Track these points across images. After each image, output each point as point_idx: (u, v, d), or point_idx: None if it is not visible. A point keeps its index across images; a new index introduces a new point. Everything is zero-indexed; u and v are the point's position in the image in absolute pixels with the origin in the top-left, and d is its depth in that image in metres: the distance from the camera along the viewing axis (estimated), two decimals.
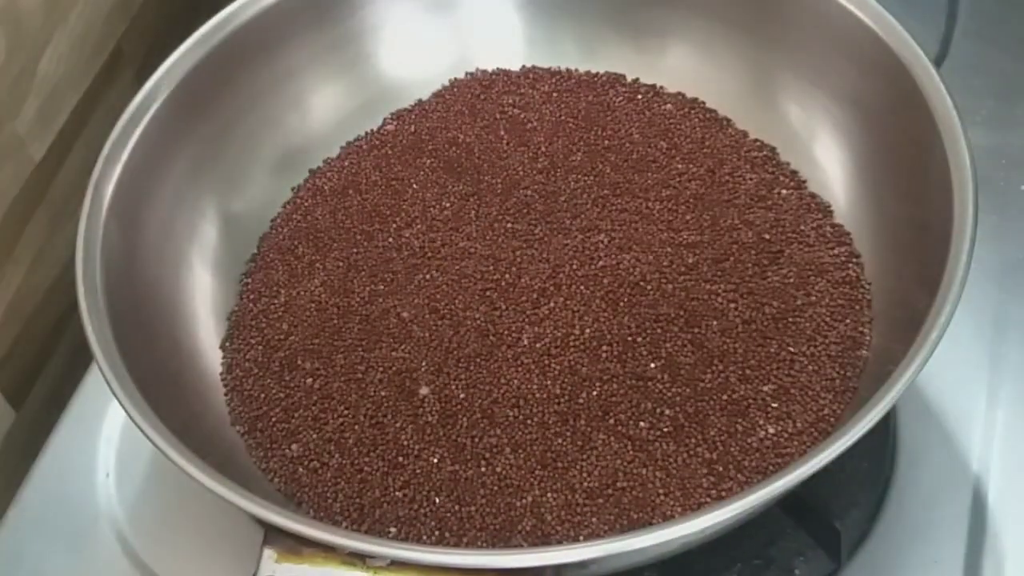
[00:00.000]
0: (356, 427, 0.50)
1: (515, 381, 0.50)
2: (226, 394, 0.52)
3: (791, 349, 0.50)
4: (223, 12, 0.56)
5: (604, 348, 0.50)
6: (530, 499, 0.47)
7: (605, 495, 0.46)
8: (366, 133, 0.61)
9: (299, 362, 0.52)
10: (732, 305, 0.51)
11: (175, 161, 0.55)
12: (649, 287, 0.52)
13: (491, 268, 0.54)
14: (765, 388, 0.49)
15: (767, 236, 0.54)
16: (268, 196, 0.59)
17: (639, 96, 0.61)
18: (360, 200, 0.58)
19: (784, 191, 0.55)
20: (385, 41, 0.62)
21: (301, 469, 0.49)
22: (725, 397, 0.48)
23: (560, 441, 0.48)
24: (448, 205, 0.57)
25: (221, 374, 0.53)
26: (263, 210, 0.59)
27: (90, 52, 0.62)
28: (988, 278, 0.56)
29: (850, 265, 0.52)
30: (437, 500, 0.47)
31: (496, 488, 0.47)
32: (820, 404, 0.48)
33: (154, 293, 0.52)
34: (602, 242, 0.54)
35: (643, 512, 0.46)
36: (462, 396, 0.50)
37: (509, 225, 0.56)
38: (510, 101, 0.61)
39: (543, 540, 0.46)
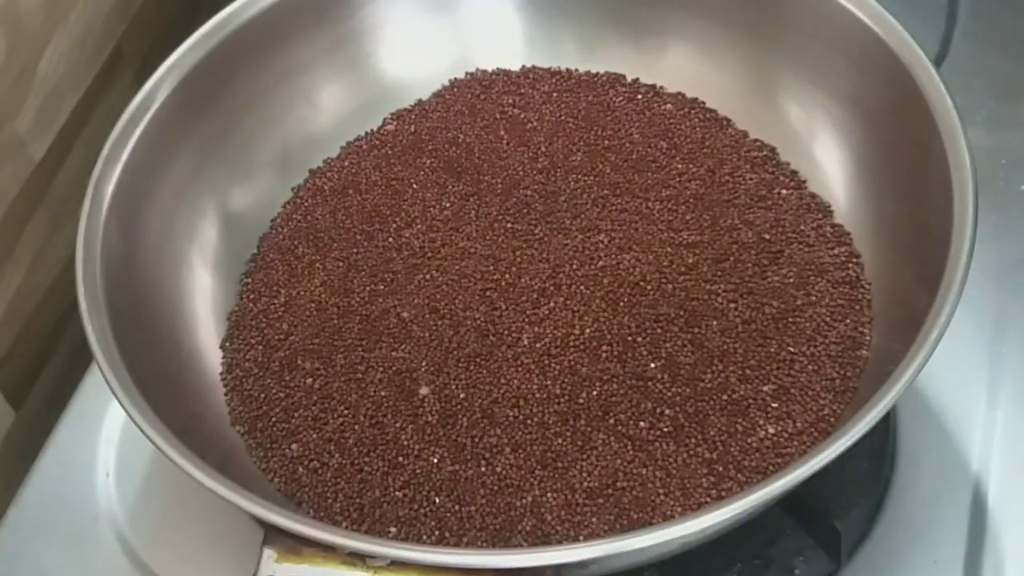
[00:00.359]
0: (356, 427, 0.50)
1: (515, 381, 0.50)
2: (226, 394, 0.52)
3: (791, 349, 0.50)
4: (223, 12, 0.56)
5: (604, 348, 0.50)
6: (530, 499, 0.47)
7: (605, 495, 0.46)
8: (366, 133, 0.61)
9: (299, 362, 0.52)
10: (732, 305, 0.51)
11: (175, 161, 0.55)
12: (649, 287, 0.52)
13: (491, 268, 0.54)
14: (765, 388, 0.49)
15: (767, 236, 0.53)
16: (268, 196, 0.59)
17: (639, 96, 0.60)
18: (360, 200, 0.58)
19: (784, 191, 0.55)
20: (385, 41, 0.62)
21: (301, 469, 0.49)
22: (725, 397, 0.48)
23: (560, 441, 0.48)
24: (448, 205, 0.57)
25: (221, 374, 0.53)
26: (263, 210, 0.59)
27: (90, 52, 0.62)
28: (988, 278, 0.56)
29: (850, 265, 0.52)
30: (437, 500, 0.47)
31: (496, 488, 0.47)
32: (820, 404, 0.48)
33: (154, 293, 0.52)
34: (602, 242, 0.54)
35: (643, 512, 0.46)
36: (462, 396, 0.50)
37: (509, 225, 0.56)
38: (510, 101, 0.61)
39: (543, 540, 0.46)
